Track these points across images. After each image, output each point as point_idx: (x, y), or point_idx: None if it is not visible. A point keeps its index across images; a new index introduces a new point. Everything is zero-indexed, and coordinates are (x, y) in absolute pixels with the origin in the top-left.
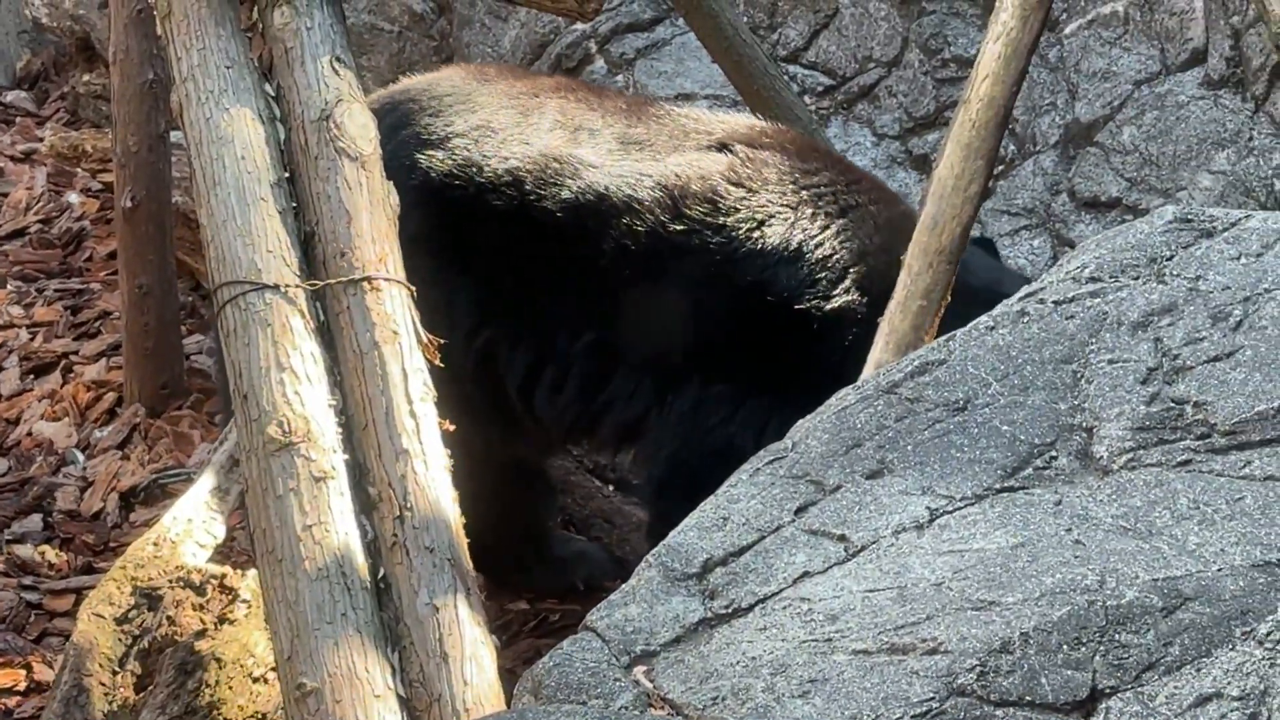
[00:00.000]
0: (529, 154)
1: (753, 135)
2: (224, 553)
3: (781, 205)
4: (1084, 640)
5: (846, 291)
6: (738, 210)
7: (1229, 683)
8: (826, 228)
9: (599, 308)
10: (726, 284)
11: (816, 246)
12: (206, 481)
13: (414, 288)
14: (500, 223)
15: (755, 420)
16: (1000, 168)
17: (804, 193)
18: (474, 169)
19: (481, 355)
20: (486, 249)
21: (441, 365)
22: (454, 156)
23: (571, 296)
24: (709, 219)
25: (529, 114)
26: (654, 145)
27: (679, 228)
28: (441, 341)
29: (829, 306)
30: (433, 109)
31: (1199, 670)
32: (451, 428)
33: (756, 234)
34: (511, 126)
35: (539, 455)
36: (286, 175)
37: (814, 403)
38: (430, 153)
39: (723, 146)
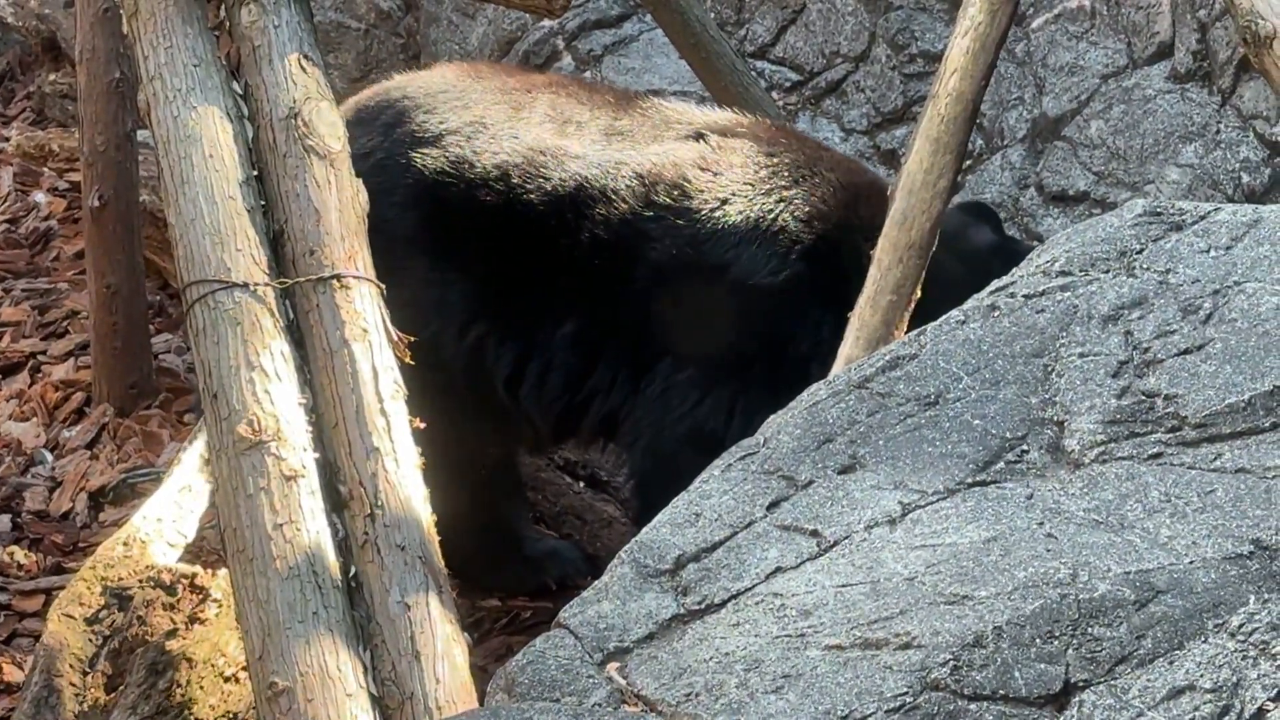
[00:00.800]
0: (517, 147)
1: (729, 125)
2: (194, 552)
3: (742, 184)
4: (1057, 634)
5: (799, 261)
6: (702, 193)
7: (1202, 675)
8: (780, 202)
9: (578, 298)
10: (692, 268)
11: (770, 221)
12: (176, 480)
13: (410, 287)
14: (490, 217)
15: (723, 404)
16: (969, 162)
17: (763, 171)
18: (466, 165)
19: (472, 351)
20: (477, 244)
21: (433, 362)
22: (447, 153)
23: (553, 288)
24: (677, 204)
25: (520, 109)
26: (635, 136)
27: (649, 214)
28: (411, 339)
29: (782, 278)
30: (427, 106)
31: (1172, 663)
32: (422, 425)
33: (719, 214)
34: (503, 122)
35: (530, 452)
36: (255, 173)
37: (779, 382)
38: (424, 150)
39: (699, 136)
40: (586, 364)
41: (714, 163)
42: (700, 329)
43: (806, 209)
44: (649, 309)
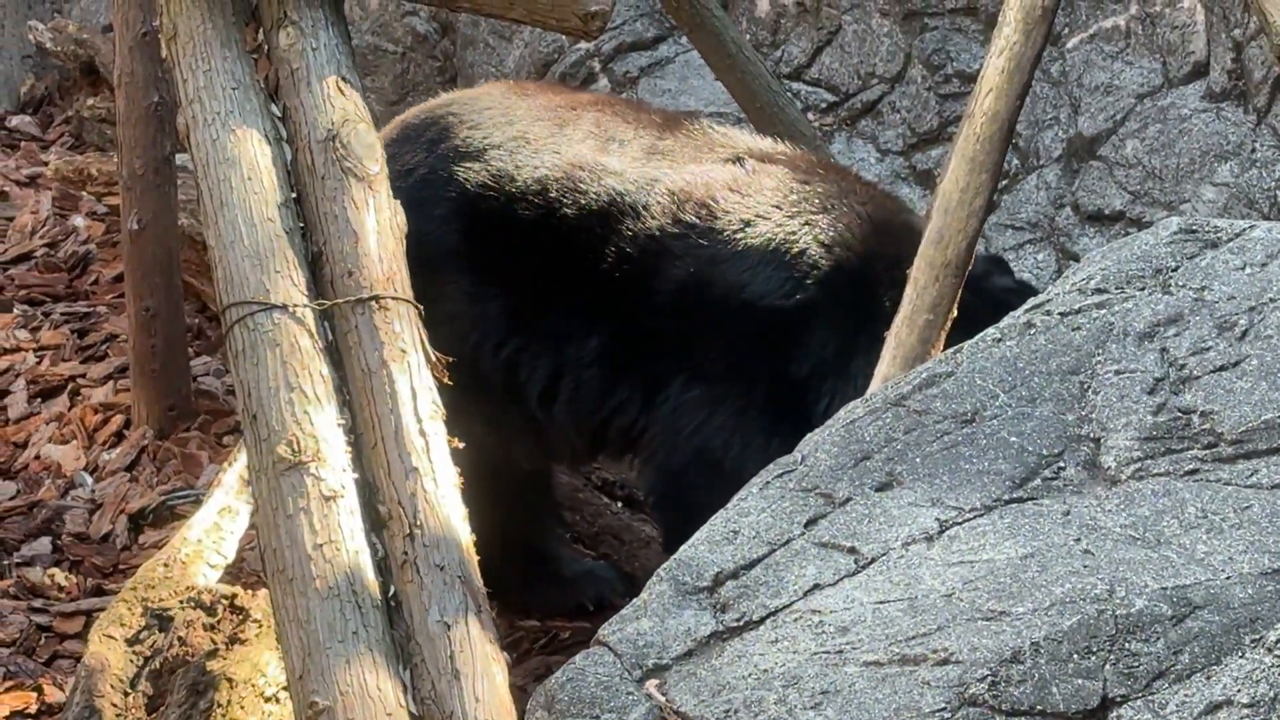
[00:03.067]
0: (558, 163)
1: (770, 152)
2: (234, 573)
3: (769, 207)
4: (1094, 649)
5: (814, 286)
6: (729, 213)
7: (1239, 690)
8: (805, 225)
9: (607, 313)
10: (709, 286)
11: (792, 244)
12: (216, 502)
13: (453, 301)
14: (528, 231)
15: (727, 424)
16: (1004, 182)
17: (793, 196)
18: (507, 179)
19: (508, 365)
20: (516, 258)
21: (472, 380)
22: (489, 167)
23: (585, 302)
24: (702, 223)
25: (565, 126)
26: (676, 156)
27: (675, 231)
28: (449, 360)
29: (794, 301)
30: (472, 122)
31: (1209, 678)
32: (460, 445)
33: (741, 235)
34: (546, 137)
35: (569, 467)
36: (293, 196)
37: (781, 404)
38: (467, 165)
39: (737, 160)
40: (613, 379)
41: (745, 185)
42: (711, 348)
43: (831, 235)
44: (667, 326)
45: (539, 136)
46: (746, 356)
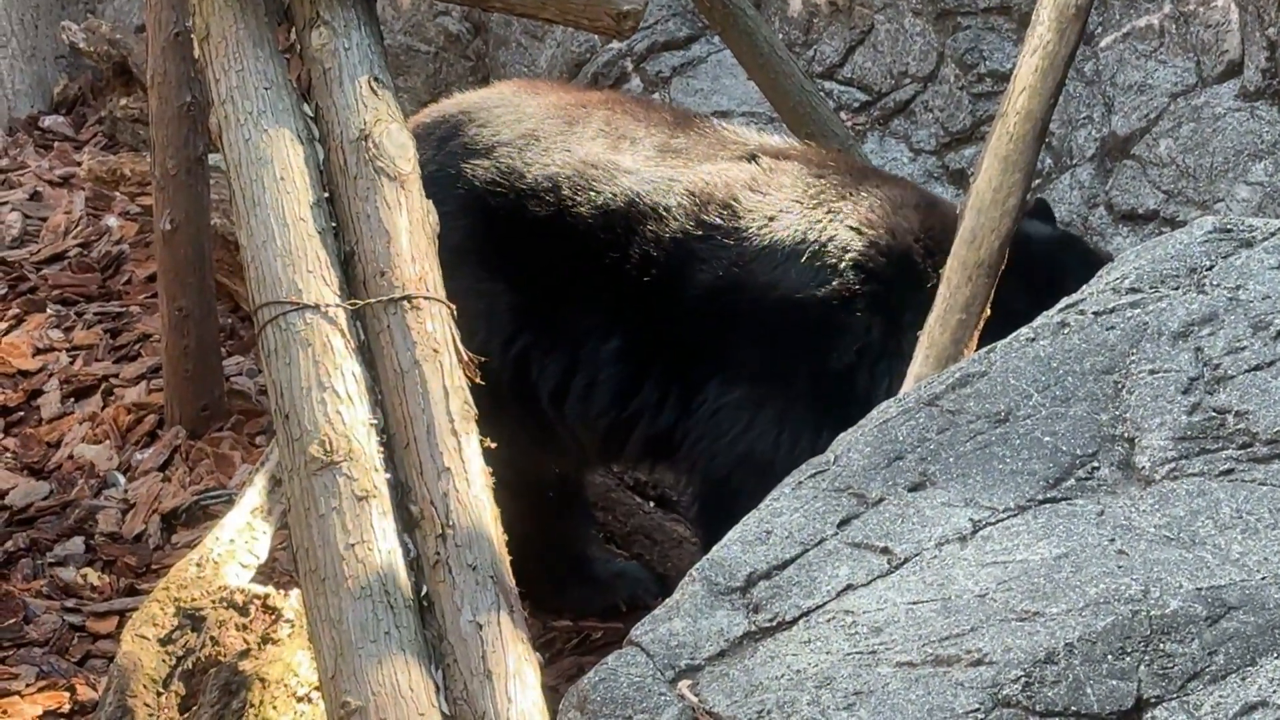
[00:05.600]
0: (569, 160)
1: (783, 149)
2: (266, 573)
3: (789, 202)
4: (1129, 650)
5: (848, 270)
6: (751, 212)
7: (1274, 691)
8: (829, 214)
9: (625, 313)
10: (741, 286)
11: (819, 233)
12: (248, 502)
13: (458, 297)
14: (538, 228)
15: (771, 424)
16: (1037, 181)
17: (812, 189)
18: (516, 176)
19: (517, 363)
20: (525, 255)
21: (481, 378)
22: (498, 165)
23: (600, 301)
24: (726, 224)
25: (574, 124)
26: (689, 155)
27: (700, 233)
28: (481, 360)
29: (829, 289)
30: (481, 120)
31: (1244, 679)
32: (493, 445)
33: (765, 231)
34: (555, 135)
35: (577, 469)
36: (326, 195)
37: (826, 396)
38: (475, 162)
39: (751, 157)
40: (633, 380)
41: (764, 183)
42: (748, 349)
43: (855, 219)
44: (698, 328)
45: (549, 134)
46: (785, 353)
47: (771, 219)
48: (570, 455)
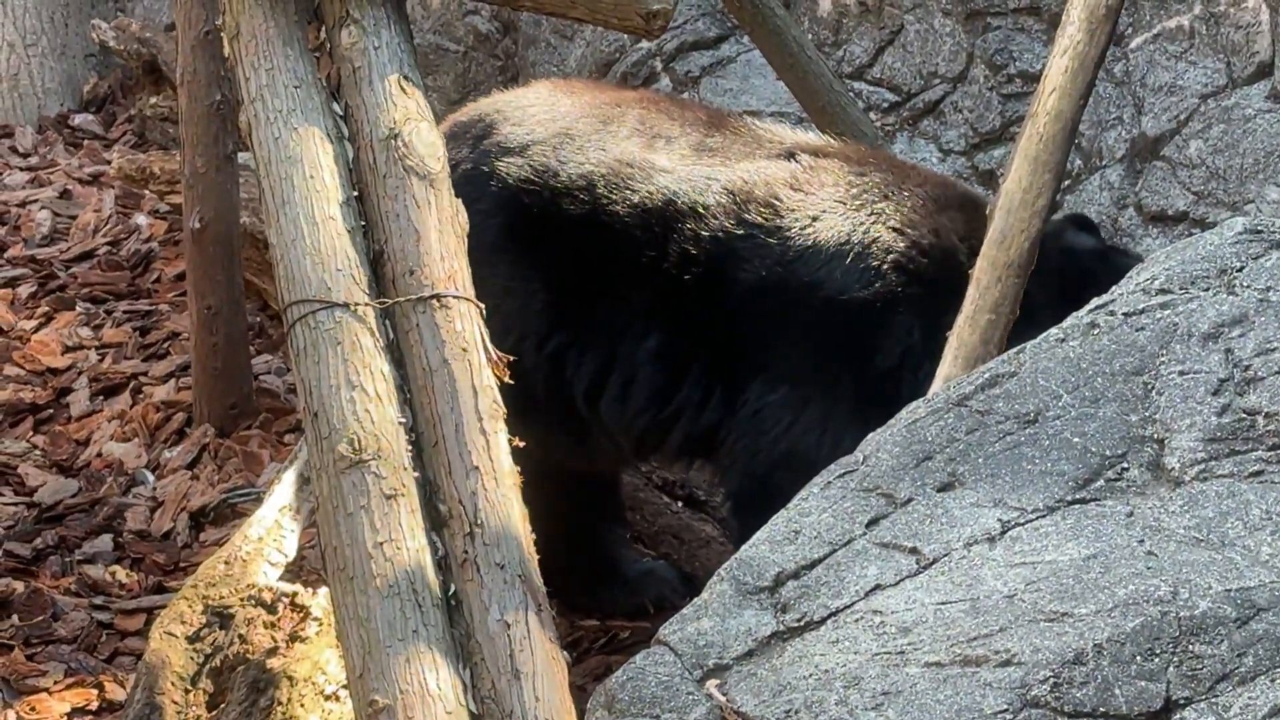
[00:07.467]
0: (604, 159)
1: (821, 146)
2: (295, 571)
3: (833, 202)
4: (1158, 651)
5: (892, 272)
6: (794, 211)
7: None
8: (872, 215)
9: (664, 312)
10: (784, 287)
11: (863, 234)
12: (276, 500)
13: (493, 295)
14: (573, 227)
15: (814, 424)
16: (1067, 182)
17: (854, 189)
18: (550, 174)
19: (551, 361)
20: (559, 254)
21: (513, 375)
22: (532, 162)
23: (638, 300)
24: (768, 223)
25: (609, 122)
26: (726, 153)
27: (740, 232)
28: (512, 359)
29: (873, 290)
30: (516, 119)
31: (1274, 680)
32: (521, 444)
33: (809, 232)
34: (590, 134)
35: (612, 468)
36: (355, 194)
37: (869, 397)
38: (509, 159)
39: (790, 155)
40: (672, 380)
41: (805, 182)
42: (791, 349)
43: (898, 219)
44: (741, 328)
45: (583, 133)
46: (829, 353)
47: (815, 219)
48: (604, 454)
